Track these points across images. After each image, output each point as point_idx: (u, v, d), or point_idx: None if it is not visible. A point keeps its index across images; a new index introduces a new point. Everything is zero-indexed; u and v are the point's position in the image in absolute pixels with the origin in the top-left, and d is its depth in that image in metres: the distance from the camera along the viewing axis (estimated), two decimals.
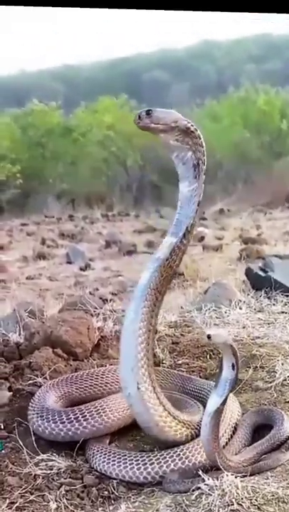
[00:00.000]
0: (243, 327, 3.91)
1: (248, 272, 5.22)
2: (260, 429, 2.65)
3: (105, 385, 2.96)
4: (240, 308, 4.30)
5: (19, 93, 37.37)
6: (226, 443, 2.53)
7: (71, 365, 3.37)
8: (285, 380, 3.04)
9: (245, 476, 2.17)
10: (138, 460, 2.36)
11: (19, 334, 3.67)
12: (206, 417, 2.25)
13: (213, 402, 2.25)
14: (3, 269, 11.91)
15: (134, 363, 2.32)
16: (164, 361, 3.46)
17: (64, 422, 2.55)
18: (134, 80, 48.28)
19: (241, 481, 2.08)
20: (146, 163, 29.06)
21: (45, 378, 3.11)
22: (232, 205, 24.07)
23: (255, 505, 1.99)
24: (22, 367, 3.27)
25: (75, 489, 2.30)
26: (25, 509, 2.19)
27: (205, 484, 2.11)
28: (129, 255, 13.55)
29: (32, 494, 2.25)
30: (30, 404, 2.72)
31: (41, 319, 4.01)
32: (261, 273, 5.02)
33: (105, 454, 2.44)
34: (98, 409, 2.60)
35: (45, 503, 2.21)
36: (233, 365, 2.25)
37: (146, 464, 2.34)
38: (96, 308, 4.14)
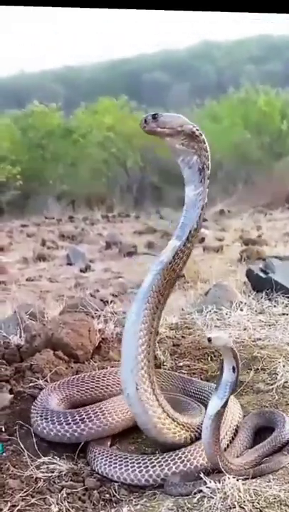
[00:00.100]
0: (244, 329, 3.91)
1: (249, 274, 5.20)
2: (262, 432, 2.65)
3: (106, 387, 2.96)
4: (241, 310, 4.30)
5: (19, 94, 37.41)
6: (228, 445, 2.53)
7: (72, 367, 3.37)
8: (286, 382, 3.04)
9: (247, 478, 2.17)
10: (139, 463, 2.35)
11: (20, 336, 3.67)
12: (206, 419, 2.25)
13: (214, 405, 2.24)
14: (3, 271, 11.91)
15: (134, 364, 2.32)
16: (164, 363, 3.46)
17: (70, 424, 2.55)
18: (134, 81, 48.24)
19: (243, 484, 2.08)
20: (146, 164, 29.09)
21: (46, 381, 3.11)
22: (232, 206, 24.05)
23: (257, 508, 1.99)
24: (23, 369, 3.27)
25: (77, 492, 2.29)
26: None
27: (207, 487, 2.11)
28: (130, 256, 13.54)
29: (33, 497, 2.25)
30: (32, 406, 2.72)
31: (42, 321, 4.01)
32: (262, 274, 5.01)
33: (107, 456, 2.44)
34: (103, 411, 2.61)
35: (47, 506, 2.20)
36: (233, 368, 2.25)
37: (147, 466, 2.33)
38: (97, 310, 4.14)
